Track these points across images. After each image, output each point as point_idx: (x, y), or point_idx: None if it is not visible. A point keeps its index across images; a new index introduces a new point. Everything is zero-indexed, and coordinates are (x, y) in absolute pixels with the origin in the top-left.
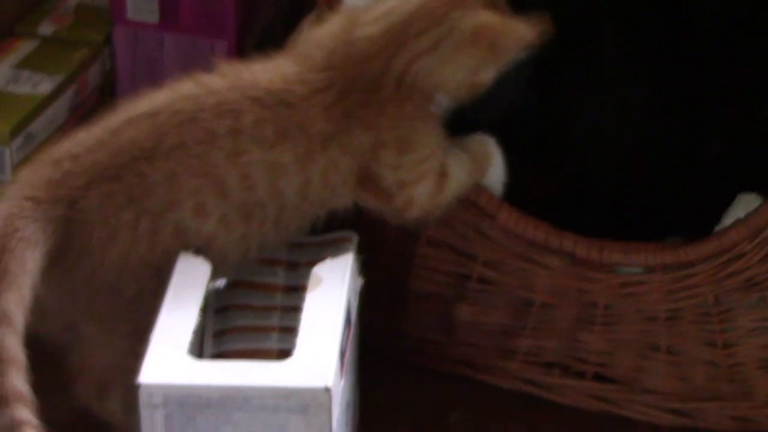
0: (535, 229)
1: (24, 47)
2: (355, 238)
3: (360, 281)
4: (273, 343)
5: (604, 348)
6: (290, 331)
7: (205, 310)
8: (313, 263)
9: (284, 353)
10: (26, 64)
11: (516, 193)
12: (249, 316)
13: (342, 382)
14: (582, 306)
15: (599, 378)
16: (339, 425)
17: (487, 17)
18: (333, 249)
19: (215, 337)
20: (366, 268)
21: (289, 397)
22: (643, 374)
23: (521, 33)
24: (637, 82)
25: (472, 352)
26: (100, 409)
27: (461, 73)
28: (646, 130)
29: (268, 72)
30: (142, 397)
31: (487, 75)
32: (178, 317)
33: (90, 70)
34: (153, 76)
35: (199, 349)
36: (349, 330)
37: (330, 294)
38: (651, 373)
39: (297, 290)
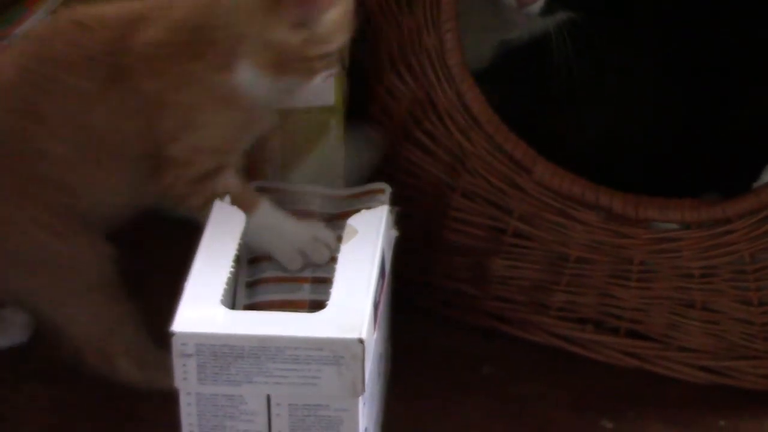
0: (572, 184)
1: None
2: (388, 189)
3: (394, 233)
4: (305, 294)
5: (638, 304)
6: (322, 282)
7: (237, 260)
8: (346, 215)
9: (316, 304)
10: None
11: (552, 143)
12: (281, 267)
13: (375, 334)
14: (617, 262)
15: (633, 334)
16: (371, 377)
17: None
18: (367, 200)
19: (247, 288)
20: (400, 219)
21: (323, 348)
22: (677, 331)
23: None
24: (671, 40)
25: (505, 307)
26: (114, 375)
27: (256, 30)
28: (681, 85)
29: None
30: (175, 346)
31: (283, 36)
32: (211, 267)
33: None
34: None
35: (231, 299)
36: (383, 282)
37: (364, 246)
38: (685, 331)
39: None
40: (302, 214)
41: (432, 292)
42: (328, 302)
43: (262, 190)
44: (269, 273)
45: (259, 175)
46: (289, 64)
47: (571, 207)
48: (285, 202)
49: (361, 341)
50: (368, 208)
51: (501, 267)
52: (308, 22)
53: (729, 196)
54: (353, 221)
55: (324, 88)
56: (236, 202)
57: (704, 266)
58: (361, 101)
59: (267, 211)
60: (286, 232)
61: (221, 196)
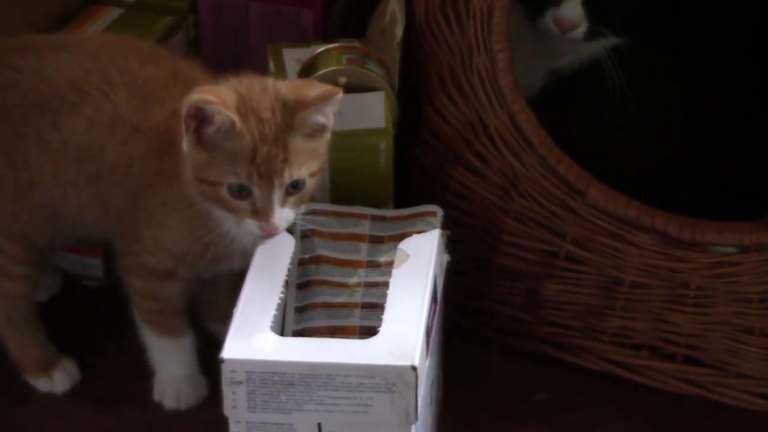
0: (626, 207)
1: (108, 15)
2: (440, 212)
3: (446, 258)
4: (355, 319)
5: (695, 330)
6: (373, 308)
7: (286, 285)
8: (396, 238)
9: (366, 330)
10: (111, 32)
11: (606, 170)
12: (331, 293)
13: (428, 361)
14: (673, 286)
15: (689, 361)
16: (424, 404)
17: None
18: (417, 223)
19: (297, 313)
20: (451, 243)
21: (375, 375)
22: (735, 358)
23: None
24: (726, 59)
25: (558, 332)
26: None
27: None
28: (736, 106)
29: None
30: (225, 373)
31: (190, 151)
32: (261, 293)
33: (174, 38)
34: (237, 45)
35: (280, 325)
36: (435, 307)
37: (416, 271)
38: (743, 357)
39: (380, 266)
40: (350, 237)
41: (484, 317)
42: (379, 328)
43: (312, 213)
44: (319, 298)
45: None
46: (197, 185)
47: (626, 230)
48: (334, 225)
49: (414, 368)
50: (419, 231)
51: (554, 292)
52: (206, 142)
53: None
54: (405, 245)
55: (374, 111)
56: (166, 320)
57: (763, 291)
58: (411, 123)
59: (183, 343)
60: (175, 367)
61: (161, 306)
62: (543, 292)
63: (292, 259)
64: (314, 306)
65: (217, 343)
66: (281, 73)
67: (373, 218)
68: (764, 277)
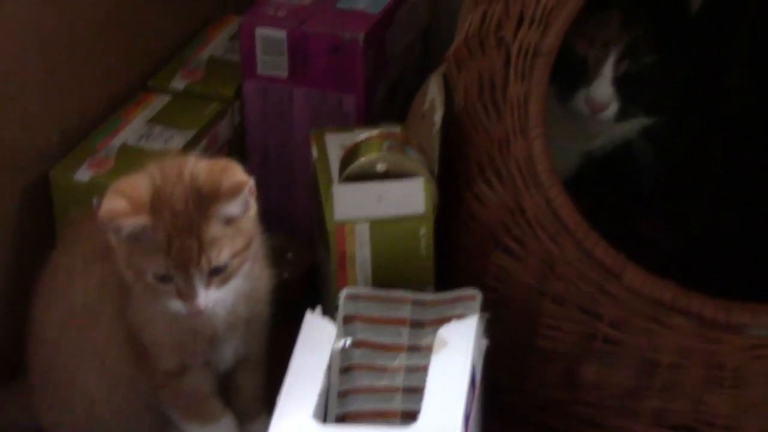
0: (662, 289)
1: (157, 102)
2: (479, 295)
3: (485, 342)
4: (397, 404)
5: (732, 411)
6: (414, 392)
7: (329, 370)
8: (437, 322)
9: (408, 414)
10: (159, 119)
11: (642, 250)
12: (373, 377)
13: None
14: (709, 367)
15: None
16: None
17: None
18: (457, 307)
19: (339, 398)
20: (490, 325)
21: None
22: None
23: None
24: (763, 140)
25: (596, 413)
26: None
27: None
28: None
29: None
30: None
31: (136, 264)
32: (304, 378)
33: (220, 124)
34: (282, 130)
35: (323, 409)
36: (474, 392)
37: (455, 357)
38: None
39: (421, 350)
40: (392, 321)
41: (523, 397)
42: (419, 413)
43: (354, 298)
44: (361, 382)
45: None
46: (127, 271)
47: (662, 313)
48: (376, 309)
49: None
50: (459, 315)
51: (591, 373)
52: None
53: None
54: (443, 331)
55: (414, 196)
56: (200, 408)
57: None
58: (450, 207)
59: (225, 427)
60: None
61: (191, 397)
62: (580, 372)
63: (335, 343)
64: (356, 390)
65: None
66: (323, 158)
67: (414, 302)
68: None
